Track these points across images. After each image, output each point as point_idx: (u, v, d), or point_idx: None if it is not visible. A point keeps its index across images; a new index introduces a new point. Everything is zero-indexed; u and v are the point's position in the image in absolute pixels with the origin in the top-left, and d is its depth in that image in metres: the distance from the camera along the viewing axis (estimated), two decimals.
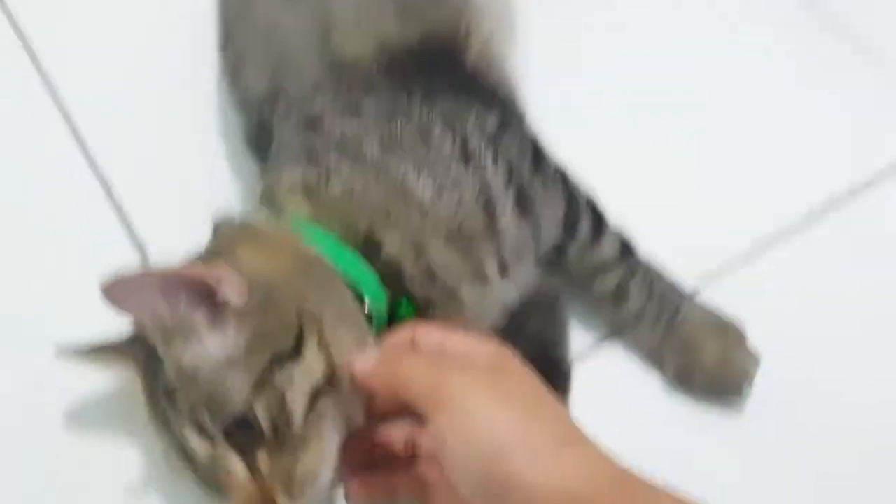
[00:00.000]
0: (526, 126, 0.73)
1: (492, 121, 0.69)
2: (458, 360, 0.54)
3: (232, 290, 0.55)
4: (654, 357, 0.71)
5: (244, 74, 0.76)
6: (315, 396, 0.55)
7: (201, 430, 0.54)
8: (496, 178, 0.66)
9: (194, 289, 0.55)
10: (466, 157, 0.66)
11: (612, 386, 0.70)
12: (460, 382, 0.51)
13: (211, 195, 0.78)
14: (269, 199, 0.65)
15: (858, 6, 0.90)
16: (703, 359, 0.69)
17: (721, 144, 0.83)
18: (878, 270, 0.76)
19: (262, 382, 0.54)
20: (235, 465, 0.55)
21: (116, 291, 0.53)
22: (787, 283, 0.75)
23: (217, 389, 0.54)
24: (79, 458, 0.67)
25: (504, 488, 0.48)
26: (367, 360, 0.56)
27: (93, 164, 0.82)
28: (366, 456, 0.58)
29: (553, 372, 0.67)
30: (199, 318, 0.55)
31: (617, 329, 0.72)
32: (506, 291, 0.67)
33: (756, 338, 0.70)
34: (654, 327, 0.70)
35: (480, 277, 0.64)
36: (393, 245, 0.62)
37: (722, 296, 0.73)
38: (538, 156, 0.71)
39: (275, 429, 0.54)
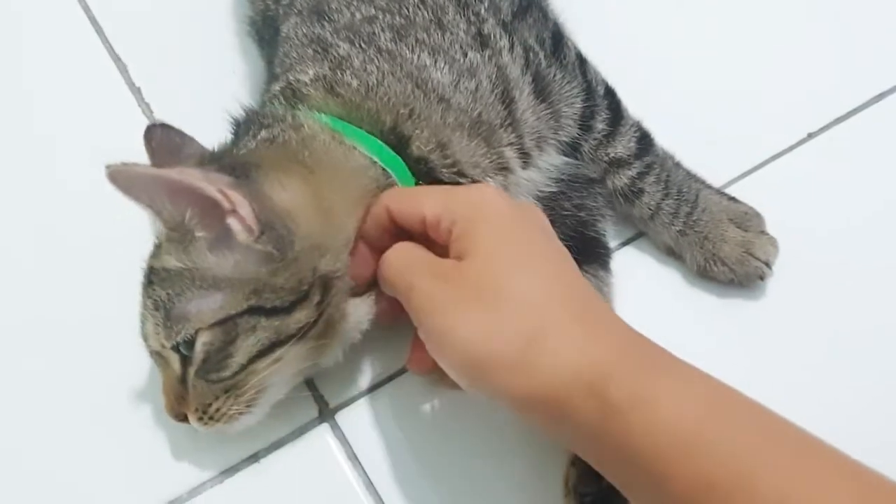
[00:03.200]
0: (545, 11, 0.71)
1: (507, 4, 0.66)
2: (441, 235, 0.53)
3: (242, 223, 0.53)
4: (674, 252, 0.70)
5: None
6: (280, 343, 0.55)
7: (156, 323, 0.55)
8: (513, 64, 0.64)
9: (204, 204, 0.53)
10: (482, 42, 0.64)
11: (631, 288, 0.69)
12: (425, 291, 0.50)
13: (223, 75, 0.78)
14: (289, 98, 0.62)
15: None
16: (724, 250, 0.68)
17: (751, 37, 0.81)
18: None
19: (223, 322, 0.54)
20: (174, 362, 0.56)
21: (122, 180, 0.52)
22: (804, 179, 0.74)
23: (181, 303, 0.54)
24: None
25: (484, 392, 0.49)
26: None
27: (108, 44, 0.81)
28: None
29: (592, 248, 0.68)
30: (201, 235, 0.54)
31: (636, 229, 0.71)
32: (532, 181, 0.66)
33: (775, 227, 0.69)
34: (673, 221, 0.68)
35: (503, 168, 0.63)
36: (420, 140, 0.60)
37: (739, 191, 0.72)
38: (557, 42, 0.68)
39: (206, 359, 0.55)
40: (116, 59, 0.80)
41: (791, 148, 0.76)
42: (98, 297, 0.68)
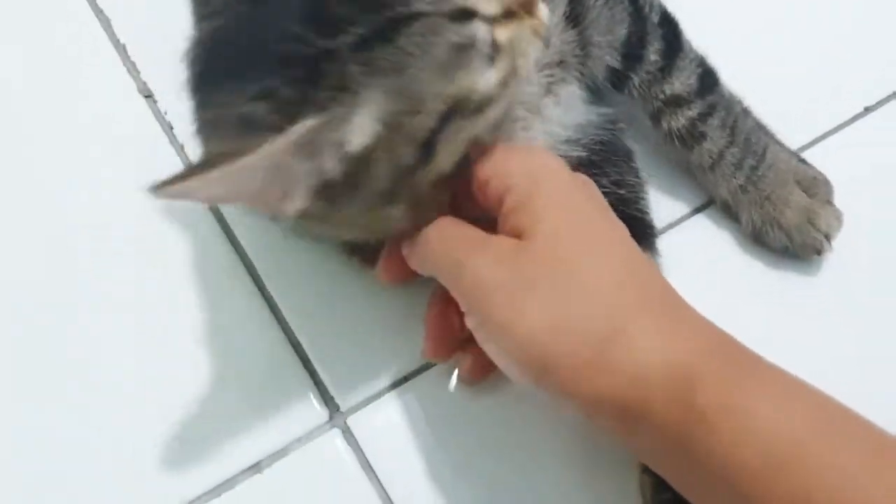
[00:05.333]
0: None
1: None
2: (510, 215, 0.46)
3: None
4: (729, 206, 0.64)
5: None
6: None
7: None
8: None
9: None
10: None
11: (699, 257, 0.63)
12: (481, 273, 0.45)
13: None
14: None
15: None
16: (785, 214, 0.61)
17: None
18: None
19: None
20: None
21: None
22: (861, 157, 0.67)
23: None
24: None
25: (547, 390, 0.44)
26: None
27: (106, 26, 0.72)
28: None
29: (638, 228, 0.60)
30: None
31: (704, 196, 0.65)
32: (553, 121, 0.57)
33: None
34: (735, 174, 0.62)
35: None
36: None
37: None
38: None
39: None
40: (98, 13, 0.71)
41: (846, 123, 0.69)
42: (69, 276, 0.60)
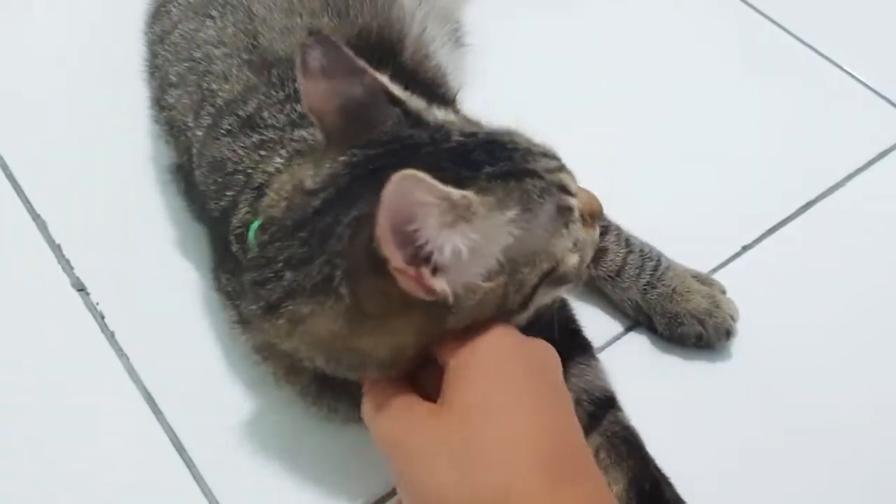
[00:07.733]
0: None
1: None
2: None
3: None
4: (641, 309, 0.70)
5: (170, 93, 0.73)
6: None
7: None
8: None
9: None
10: None
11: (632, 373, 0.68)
12: (402, 427, 0.49)
13: (143, 226, 0.76)
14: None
15: None
16: (693, 301, 0.69)
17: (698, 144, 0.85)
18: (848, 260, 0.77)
19: None
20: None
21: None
22: (743, 291, 0.73)
23: None
24: None
25: None
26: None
27: (27, 201, 0.79)
28: None
29: (578, 342, 0.67)
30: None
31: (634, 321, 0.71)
32: None
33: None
34: (640, 276, 0.70)
35: None
36: None
37: None
38: None
39: None
40: (35, 217, 0.77)
41: (728, 261, 0.76)
42: None
